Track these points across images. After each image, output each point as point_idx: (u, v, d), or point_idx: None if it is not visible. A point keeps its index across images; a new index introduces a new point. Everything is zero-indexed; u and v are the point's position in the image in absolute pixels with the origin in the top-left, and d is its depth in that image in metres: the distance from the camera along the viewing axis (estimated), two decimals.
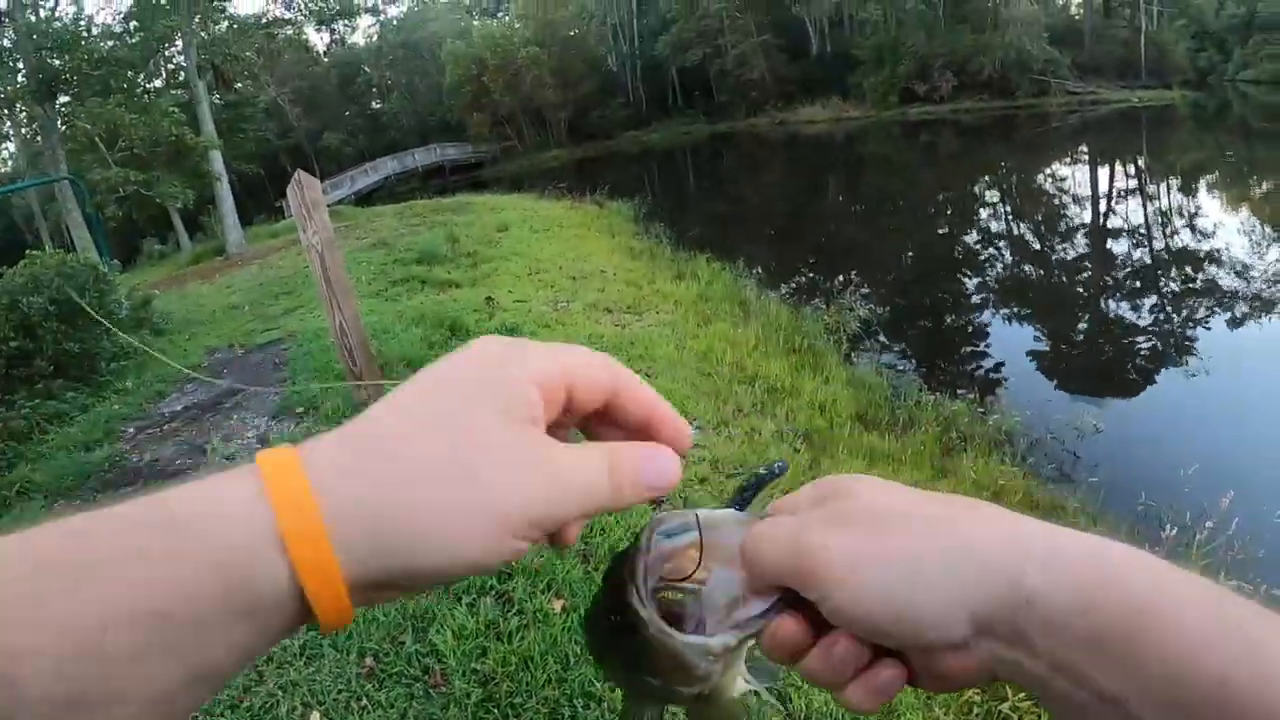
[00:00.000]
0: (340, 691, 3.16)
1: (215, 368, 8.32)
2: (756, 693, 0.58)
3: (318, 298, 5.81)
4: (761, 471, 0.57)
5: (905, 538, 0.42)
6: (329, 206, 5.58)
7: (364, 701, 3.12)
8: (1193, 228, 16.22)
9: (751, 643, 0.49)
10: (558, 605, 3.67)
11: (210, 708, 3.05)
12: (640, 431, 0.47)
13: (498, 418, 0.40)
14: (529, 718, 3.06)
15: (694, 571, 0.49)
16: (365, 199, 35.00)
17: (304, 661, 3.36)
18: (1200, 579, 0.38)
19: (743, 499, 0.55)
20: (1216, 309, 11.03)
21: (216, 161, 21.68)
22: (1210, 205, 18.17)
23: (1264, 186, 19.65)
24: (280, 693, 3.21)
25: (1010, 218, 20.44)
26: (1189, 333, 10.36)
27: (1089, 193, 22.42)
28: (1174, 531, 4.69)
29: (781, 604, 0.46)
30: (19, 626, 0.31)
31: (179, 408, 7.13)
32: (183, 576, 0.33)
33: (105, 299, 9.10)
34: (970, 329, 11.65)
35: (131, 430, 6.71)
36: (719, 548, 0.49)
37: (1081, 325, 11.44)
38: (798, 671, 0.46)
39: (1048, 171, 26.05)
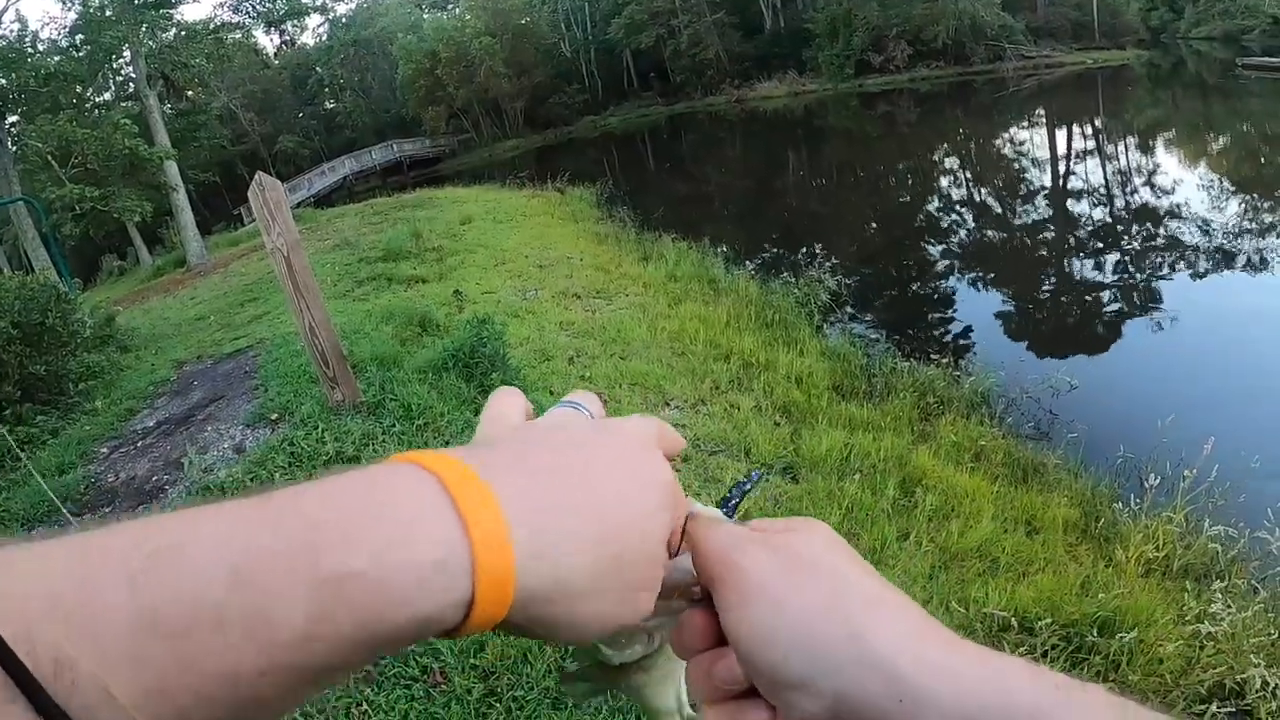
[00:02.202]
0: (339, 698, 3.11)
1: (185, 381, 8.19)
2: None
3: (285, 302, 5.72)
4: (741, 480, 0.60)
5: (813, 594, 0.41)
6: (290, 211, 5.47)
7: (364, 707, 3.08)
8: (1152, 185, 16.44)
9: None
10: None
11: None
12: None
13: (658, 507, 0.44)
14: (531, 710, 3.03)
15: (675, 553, 0.49)
16: (325, 201, 34.60)
17: None
18: (1105, 696, 0.37)
19: (729, 506, 0.57)
20: (1180, 262, 11.16)
21: (172, 172, 21.29)
22: (1168, 162, 18.42)
23: (1220, 142, 19.87)
24: None
25: (971, 183, 20.56)
26: (1154, 286, 10.45)
27: (1048, 155, 22.62)
28: (1156, 481, 4.68)
29: (708, 602, 0.45)
30: (180, 670, 0.29)
31: (151, 423, 7.01)
32: (358, 640, 0.33)
33: (68, 319, 8.90)
34: (938, 295, 11.70)
35: (105, 450, 6.58)
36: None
37: (1048, 286, 11.52)
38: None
39: (1006, 136, 26.22)
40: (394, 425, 5.57)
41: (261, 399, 6.70)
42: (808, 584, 0.42)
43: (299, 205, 29.30)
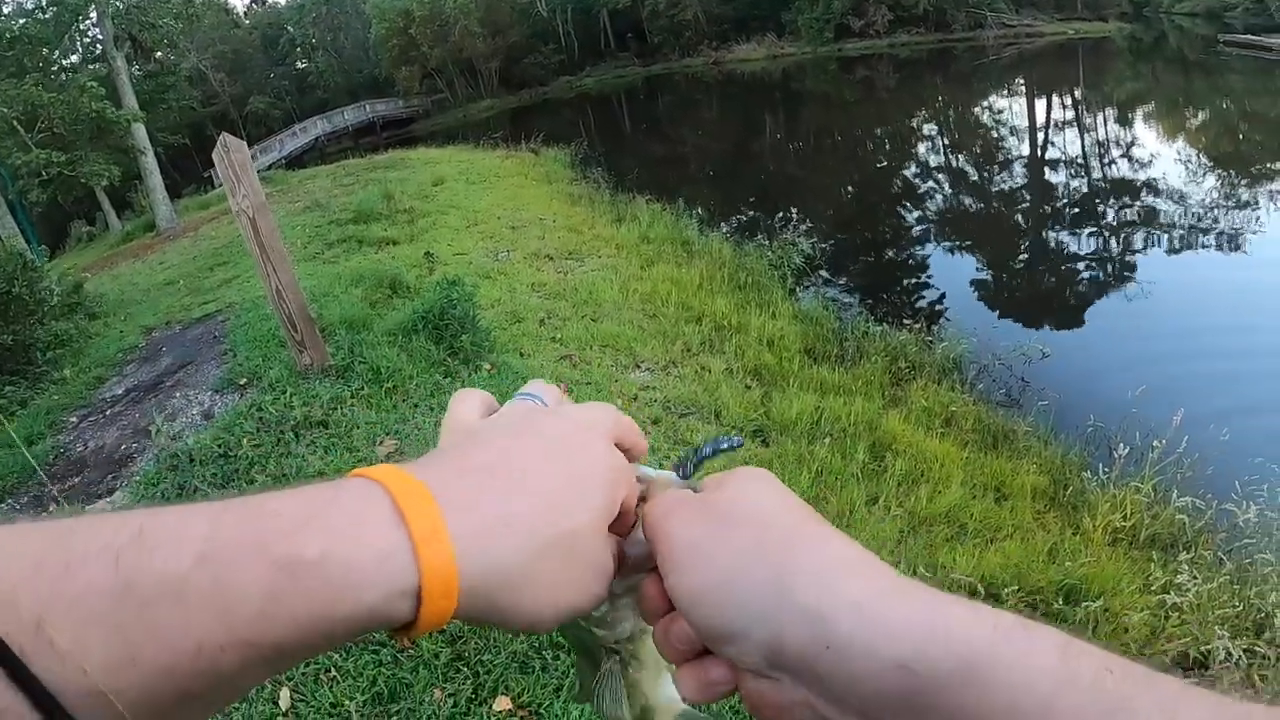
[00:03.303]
0: (308, 665, 3.06)
1: (154, 347, 8.05)
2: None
3: (253, 265, 5.63)
4: (701, 445, 0.57)
5: (739, 542, 0.42)
6: (259, 172, 5.36)
7: (332, 673, 3.04)
8: (1129, 157, 16.44)
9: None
10: None
11: None
12: None
13: (602, 492, 0.45)
14: (499, 673, 3.00)
15: (633, 524, 0.51)
16: (296, 162, 33.98)
17: None
18: (1048, 636, 0.35)
19: (683, 467, 0.56)
20: (1155, 235, 11.19)
21: (141, 135, 20.75)
22: (1146, 136, 18.38)
23: (1198, 117, 19.87)
24: None
25: (949, 151, 20.53)
26: (1128, 259, 10.51)
27: (1026, 124, 22.59)
28: (1125, 451, 4.68)
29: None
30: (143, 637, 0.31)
31: (120, 391, 6.89)
32: (311, 624, 0.35)
33: (35, 287, 8.78)
34: (912, 261, 11.69)
35: (74, 419, 6.46)
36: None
37: (1023, 255, 11.53)
38: None
39: (985, 104, 26.15)
40: (362, 388, 5.48)
41: (230, 364, 6.58)
42: (733, 535, 0.42)
43: (270, 167, 28.76)
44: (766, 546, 0.41)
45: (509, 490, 0.42)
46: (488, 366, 5.86)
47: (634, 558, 0.49)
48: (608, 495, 0.45)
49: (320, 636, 0.35)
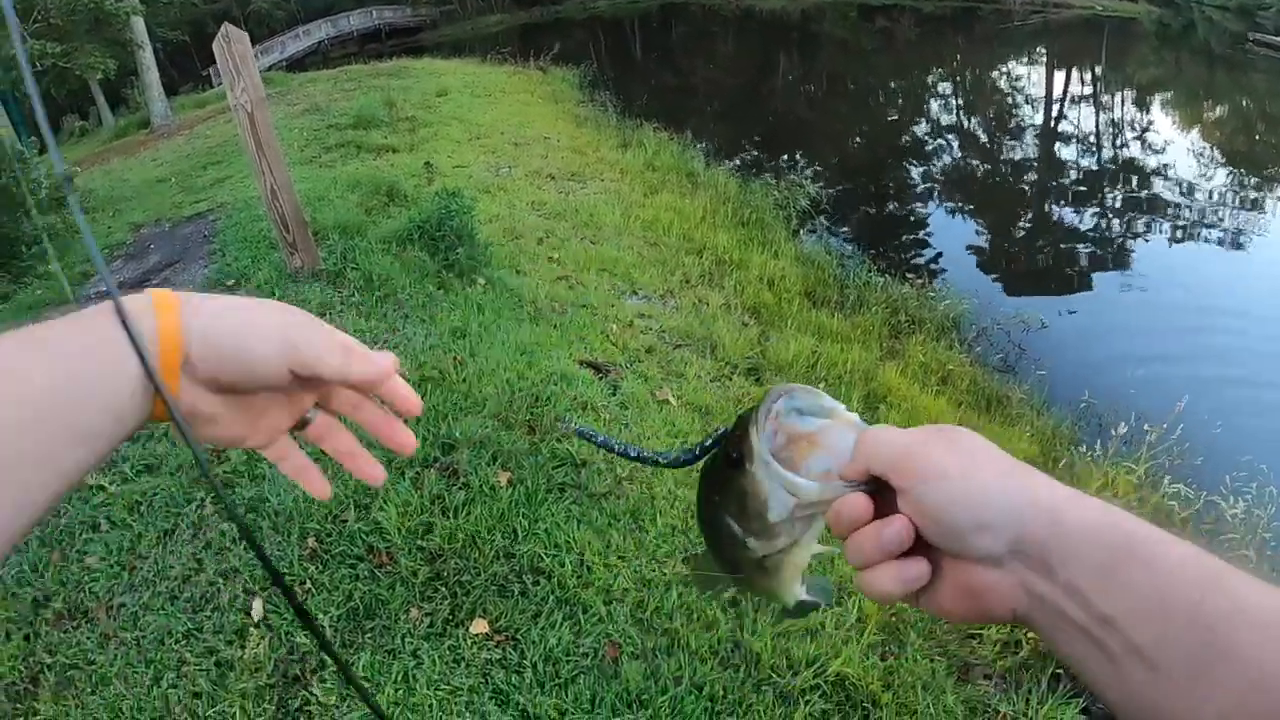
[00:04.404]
0: (283, 575, 2.93)
1: (142, 244, 7.87)
2: (815, 607, 0.71)
3: (248, 166, 5.48)
4: (720, 430, 0.63)
5: (990, 469, 0.51)
6: (260, 73, 5.17)
7: (308, 585, 2.97)
8: (1142, 141, 16.22)
9: (820, 526, 0.59)
10: (504, 478, 3.50)
11: (149, 601, 3.00)
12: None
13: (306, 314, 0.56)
14: (478, 595, 2.93)
15: (808, 443, 0.58)
16: (297, 65, 32.96)
17: (244, 546, 3.16)
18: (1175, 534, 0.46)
19: (702, 449, 0.64)
20: (1161, 223, 11.11)
21: (139, 29, 19.91)
22: (1162, 122, 18.09)
23: (1216, 111, 19.58)
24: (221, 580, 3.04)
25: (961, 111, 20.26)
26: (1132, 243, 10.46)
27: (1043, 95, 22.24)
28: (1124, 429, 4.62)
29: (861, 487, 0.54)
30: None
31: (105, 288, 6.63)
32: (76, 351, 0.49)
33: (24, 179, 8.37)
34: (915, 218, 11.59)
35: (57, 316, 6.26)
36: (829, 430, 0.57)
37: (1027, 224, 11.45)
38: (844, 548, 0.55)
39: (1004, 70, 25.68)
40: (353, 295, 5.36)
41: (219, 264, 6.44)
42: (985, 463, 0.51)
43: (270, 68, 27.98)
44: (1016, 468, 0.51)
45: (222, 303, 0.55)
46: (482, 282, 5.72)
47: (812, 500, 0.56)
48: (282, 337, 0.54)
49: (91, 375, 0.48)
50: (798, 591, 0.66)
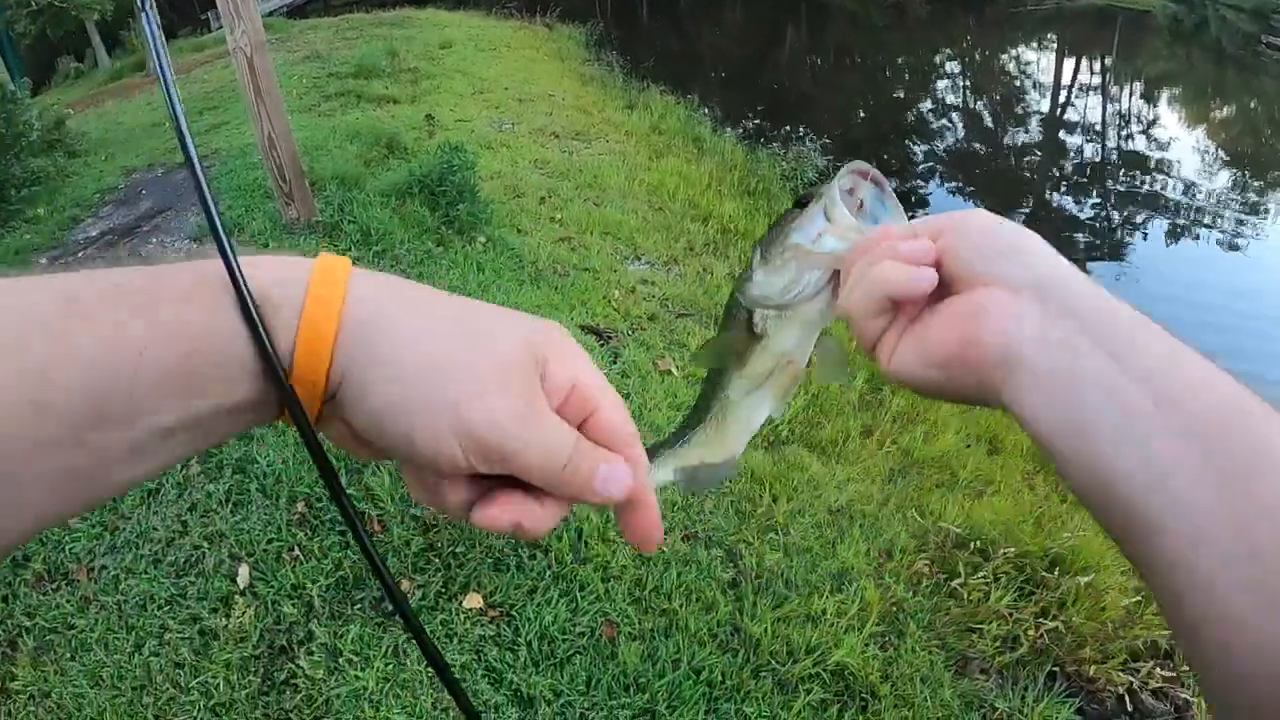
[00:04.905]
0: (270, 541, 2.90)
1: (134, 189, 7.68)
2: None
3: (245, 112, 5.41)
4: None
5: (1013, 230, 0.52)
6: (260, 18, 5.06)
7: (296, 552, 2.88)
8: (1148, 136, 16.12)
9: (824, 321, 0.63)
10: None
11: (132, 565, 2.91)
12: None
13: (521, 355, 0.43)
14: (472, 568, 2.84)
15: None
16: (298, 12, 32.21)
17: (230, 509, 3.06)
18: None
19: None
20: (1161, 220, 11.06)
21: None
22: (1168, 117, 18.02)
23: (1224, 111, 19.47)
24: (206, 544, 2.94)
25: (968, 93, 20.09)
26: (1128, 237, 10.49)
27: (1051, 81, 22.09)
28: None
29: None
30: (57, 337, 0.36)
31: (94, 233, 6.61)
32: (216, 323, 0.39)
33: (15, 121, 8.31)
34: (915, 197, 11.53)
35: (44, 261, 6.24)
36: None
37: (1025, 209, 11.38)
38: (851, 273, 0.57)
39: (1013, 53, 25.51)
40: (349, 249, 5.23)
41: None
42: (1005, 225, 0.52)
43: (271, 14, 27.46)
44: (1029, 234, 0.51)
45: (417, 293, 0.45)
46: (483, 240, 5.60)
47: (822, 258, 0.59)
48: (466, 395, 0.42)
49: (226, 356, 0.39)
50: (807, 347, 0.65)
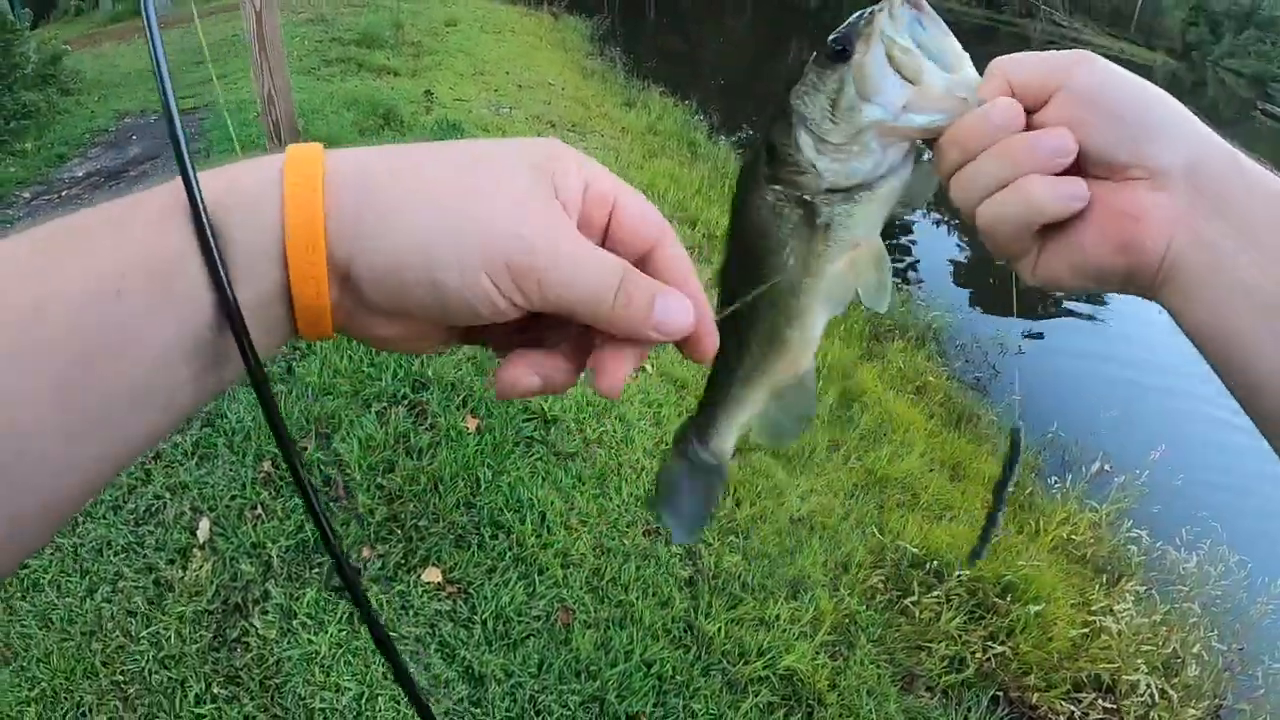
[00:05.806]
0: (234, 497, 2.88)
1: (124, 133, 7.62)
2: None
3: (246, 67, 5.35)
4: None
5: (1138, 84, 0.48)
6: None
7: (258, 510, 2.86)
8: None
9: (889, 205, 0.56)
10: (472, 424, 3.39)
11: (91, 509, 2.86)
12: None
13: (530, 179, 0.41)
14: (434, 542, 2.83)
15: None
16: None
17: (195, 462, 3.03)
18: None
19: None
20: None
21: None
22: None
23: None
24: (168, 494, 2.91)
25: None
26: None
27: None
28: (1096, 469, 4.67)
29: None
30: (36, 276, 0.35)
31: (80, 173, 6.56)
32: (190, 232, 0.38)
33: (11, 51, 8.20)
34: (900, 224, 11.51)
35: (27, 195, 6.15)
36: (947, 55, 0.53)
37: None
38: (957, 179, 0.53)
39: None
40: None
41: (202, 165, 6.11)
42: (1137, 90, 0.48)
43: None
44: (1170, 103, 0.49)
45: (413, 146, 0.43)
46: None
47: (916, 124, 0.52)
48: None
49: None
50: (871, 233, 0.57)
